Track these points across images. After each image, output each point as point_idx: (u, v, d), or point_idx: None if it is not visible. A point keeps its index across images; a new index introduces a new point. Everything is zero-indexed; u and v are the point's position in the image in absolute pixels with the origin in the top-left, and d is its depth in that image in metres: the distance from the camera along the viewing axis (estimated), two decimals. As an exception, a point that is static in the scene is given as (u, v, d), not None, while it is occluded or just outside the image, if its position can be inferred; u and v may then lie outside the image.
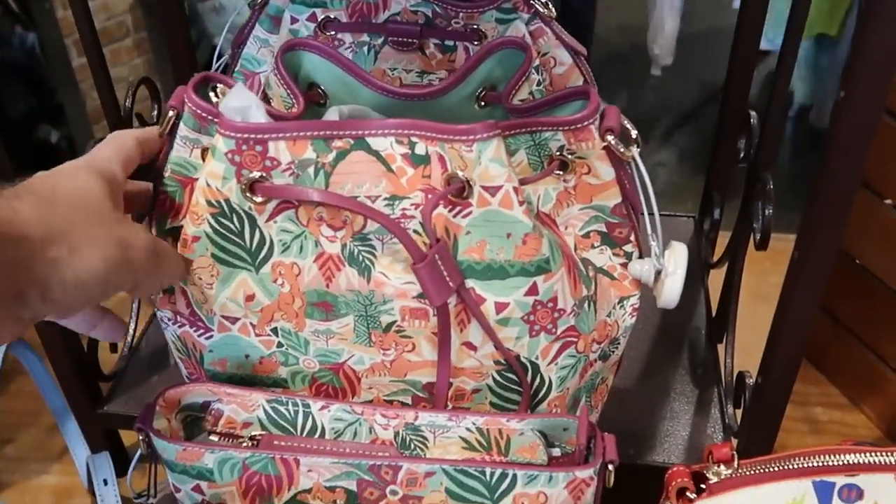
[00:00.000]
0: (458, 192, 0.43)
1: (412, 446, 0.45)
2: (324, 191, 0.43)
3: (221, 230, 0.45)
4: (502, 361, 0.47)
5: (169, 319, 0.49)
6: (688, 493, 0.46)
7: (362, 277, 0.45)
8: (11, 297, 0.34)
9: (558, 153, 0.46)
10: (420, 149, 0.43)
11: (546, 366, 0.47)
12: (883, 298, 0.70)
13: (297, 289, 0.45)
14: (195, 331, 0.49)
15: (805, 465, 0.45)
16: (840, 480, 0.44)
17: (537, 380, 0.48)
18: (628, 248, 0.49)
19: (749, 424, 0.57)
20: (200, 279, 0.46)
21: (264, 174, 0.43)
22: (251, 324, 0.47)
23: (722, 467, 0.45)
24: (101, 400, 0.63)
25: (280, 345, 0.48)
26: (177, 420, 0.46)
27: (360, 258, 0.45)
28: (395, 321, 0.46)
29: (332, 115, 0.49)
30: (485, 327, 0.45)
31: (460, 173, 0.43)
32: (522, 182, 0.45)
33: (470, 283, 0.44)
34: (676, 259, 0.48)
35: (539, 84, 0.59)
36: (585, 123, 0.45)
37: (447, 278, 0.43)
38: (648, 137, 2.30)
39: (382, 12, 0.59)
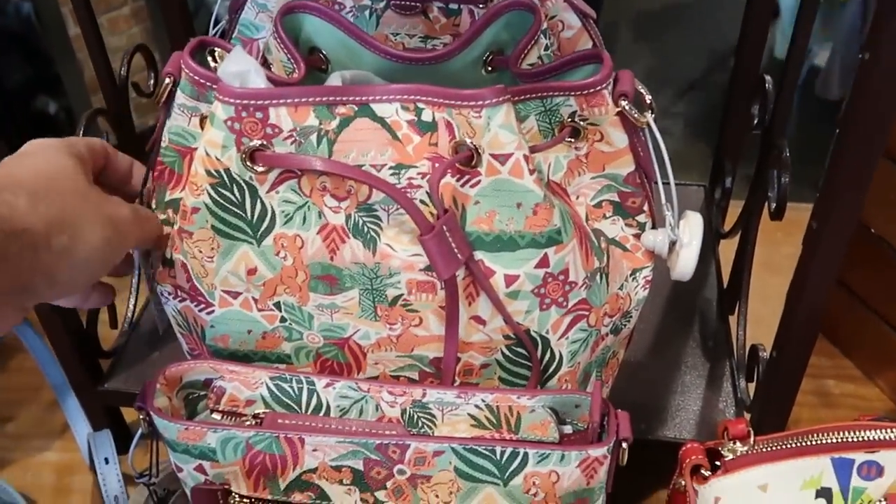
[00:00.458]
0: (467, 160, 0.41)
1: (420, 424, 0.44)
2: (327, 159, 0.41)
3: (221, 201, 0.43)
4: (512, 336, 0.45)
5: (169, 294, 0.48)
6: (702, 471, 0.44)
7: (367, 249, 0.43)
8: (17, 290, 0.35)
9: (570, 119, 0.44)
10: (427, 115, 0.41)
11: (557, 340, 0.46)
12: (898, 269, 0.69)
13: (300, 262, 0.44)
14: (196, 305, 0.47)
15: (823, 442, 0.43)
16: (859, 457, 0.43)
17: (548, 354, 0.46)
18: (641, 218, 0.48)
19: (762, 399, 0.55)
20: (201, 252, 0.45)
21: (265, 142, 0.41)
22: (253, 298, 0.46)
23: (738, 444, 0.44)
24: (102, 377, 0.62)
25: (283, 319, 0.46)
26: (178, 398, 0.45)
27: (366, 229, 0.43)
28: (401, 294, 0.44)
29: (334, 80, 0.47)
30: (494, 301, 0.43)
31: (468, 140, 0.41)
32: (533, 150, 0.44)
33: (479, 255, 0.43)
34: (691, 229, 0.46)
35: (547, 49, 0.57)
36: (598, 88, 0.43)
37: (455, 250, 0.42)
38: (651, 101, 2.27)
39: (385, -25, 0.56)
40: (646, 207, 0.48)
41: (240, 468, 0.44)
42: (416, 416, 0.44)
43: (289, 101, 0.41)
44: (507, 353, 0.46)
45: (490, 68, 0.50)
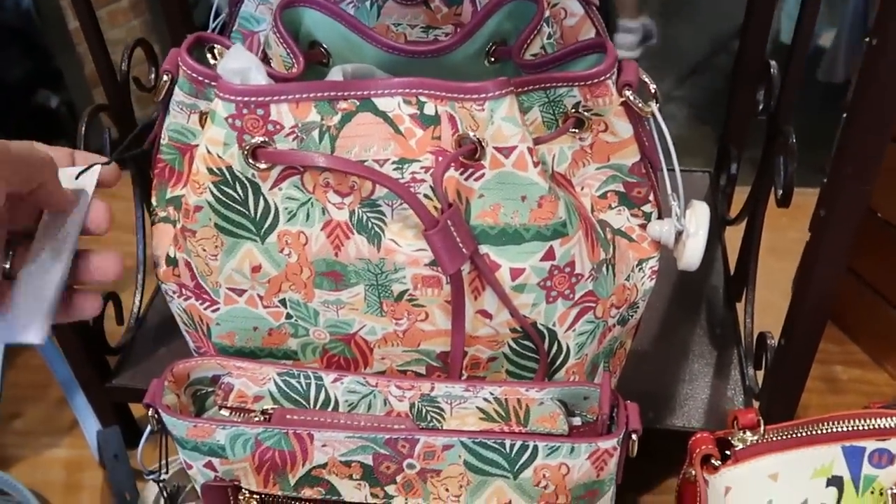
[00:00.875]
0: (470, 153, 0.41)
1: (428, 418, 0.44)
2: (330, 155, 0.41)
3: (224, 199, 0.43)
4: (518, 329, 0.45)
5: (174, 292, 0.48)
6: (712, 461, 0.44)
7: (372, 245, 0.43)
8: None
9: (574, 110, 0.44)
10: (429, 108, 0.41)
11: (564, 332, 0.46)
12: (906, 253, 0.69)
13: (304, 258, 0.44)
14: (201, 303, 0.47)
15: (834, 430, 0.43)
16: (870, 445, 0.43)
17: (555, 347, 0.46)
18: (647, 208, 0.47)
19: (771, 387, 0.55)
20: (204, 250, 0.45)
21: (267, 139, 0.41)
22: (258, 295, 0.46)
23: (748, 433, 0.44)
24: (109, 374, 0.62)
25: (289, 316, 0.46)
26: (186, 395, 0.45)
27: (370, 225, 0.43)
28: (407, 290, 0.44)
29: (335, 74, 0.46)
30: (500, 295, 0.43)
31: (472, 133, 0.41)
32: (537, 141, 0.43)
33: (484, 248, 0.43)
34: (698, 219, 0.46)
35: (550, 37, 0.56)
36: (602, 78, 0.42)
37: (460, 245, 0.41)
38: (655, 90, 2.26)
39: (385, -35, 0.56)
40: (651, 197, 0.47)
41: (249, 464, 0.44)
42: (424, 410, 0.44)
43: (290, 97, 0.40)
44: (513, 346, 0.46)
45: (493, 59, 0.50)
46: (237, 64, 0.41)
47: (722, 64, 2.32)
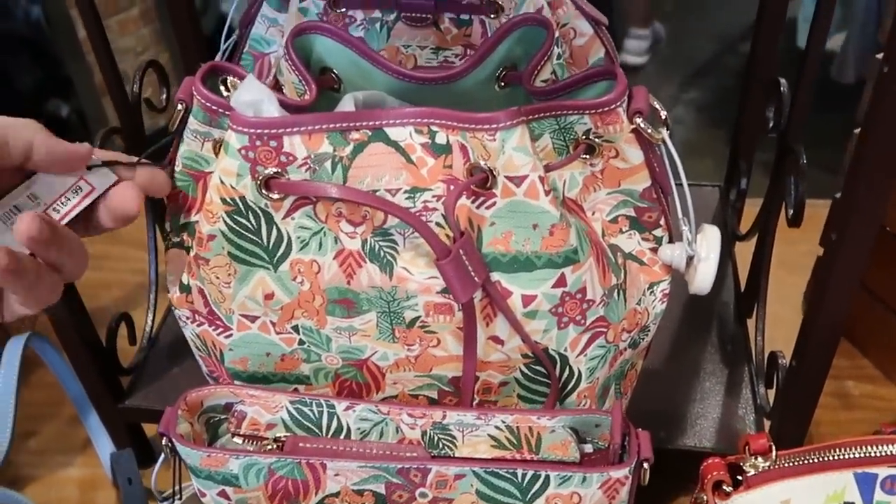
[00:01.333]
0: (482, 182, 0.41)
1: (440, 445, 0.44)
2: (342, 186, 0.41)
3: (237, 228, 0.43)
4: (530, 354, 0.45)
5: (187, 318, 0.48)
6: (724, 487, 0.44)
7: (384, 273, 0.43)
8: None
9: (584, 137, 0.44)
10: (440, 138, 0.41)
11: (575, 357, 0.46)
12: (917, 268, 0.68)
13: (317, 286, 0.44)
14: (214, 329, 0.47)
15: (846, 457, 0.43)
16: (882, 472, 0.43)
17: (566, 371, 0.46)
18: (658, 232, 0.47)
19: (782, 407, 0.55)
20: (218, 278, 0.45)
21: (280, 170, 0.41)
22: (271, 322, 0.46)
23: (759, 459, 0.44)
24: (122, 394, 0.63)
25: (301, 342, 0.46)
26: (199, 423, 0.45)
27: (382, 254, 0.43)
28: (419, 317, 0.44)
29: (347, 102, 0.47)
30: (511, 322, 0.43)
31: (483, 163, 0.41)
32: (548, 168, 0.43)
33: (495, 275, 0.43)
34: (709, 243, 0.46)
35: (559, 57, 0.56)
36: (613, 106, 0.43)
37: (472, 273, 0.42)
38: (663, 93, 2.25)
39: (395, -13, 0.56)
40: (662, 221, 0.47)
41: (262, 493, 0.44)
42: (436, 438, 0.44)
43: (302, 129, 0.41)
44: (525, 371, 0.46)
45: (503, 83, 0.50)
46: (250, 96, 0.41)
47: (731, 64, 2.31)
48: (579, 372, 0.47)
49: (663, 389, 0.62)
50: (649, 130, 0.43)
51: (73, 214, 0.40)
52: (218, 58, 0.58)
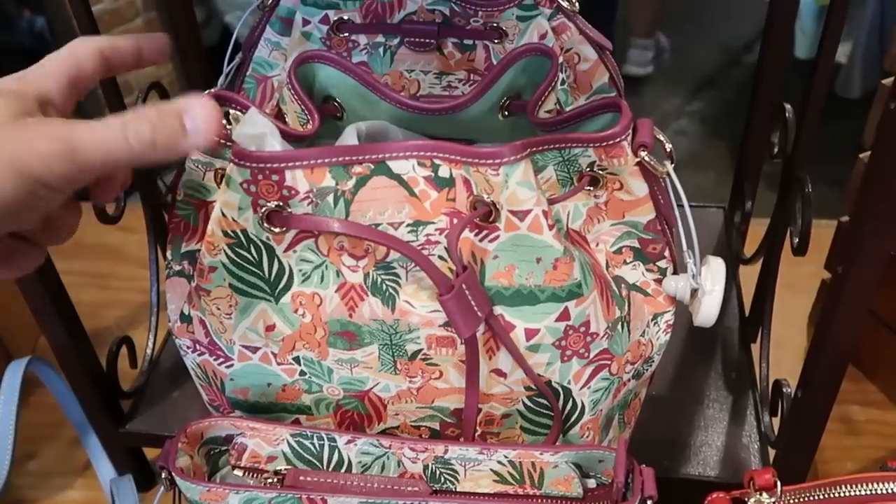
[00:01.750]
0: (485, 216, 0.41)
1: (442, 479, 0.44)
2: (344, 220, 0.41)
3: (239, 260, 0.43)
4: (533, 387, 0.45)
5: (188, 348, 0.48)
6: (729, 523, 0.44)
7: (386, 307, 0.43)
8: None
9: (589, 169, 0.44)
10: (444, 171, 0.41)
11: (579, 390, 0.46)
12: (923, 293, 0.68)
13: (318, 319, 0.44)
14: (215, 359, 0.47)
15: (851, 494, 0.43)
16: (889, 509, 0.42)
17: (570, 404, 0.46)
18: (662, 263, 0.47)
19: (788, 436, 0.55)
20: (219, 309, 0.45)
21: (282, 204, 0.41)
22: (272, 353, 0.46)
23: (764, 495, 0.44)
24: (123, 418, 0.62)
25: (303, 373, 0.46)
26: (199, 455, 0.45)
27: (384, 287, 0.43)
28: (421, 349, 0.44)
29: (350, 133, 0.46)
30: (515, 356, 0.43)
31: (486, 197, 0.41)
32: (552, 201, 0.43)
33: (498, 309, 0.43)
34: (714, 276, 0.45)
35: (563, 83, 0.56)
36: (618, 140, 0.42)
37: (475, 308, 0.41)
38: (667, 104, 2.25)
39: (398, 12, 0.56)
40: (667, 253, 0.47)
41: (263, 527, 0.43)
42: (438, 472, 0.44)
43: (304, 163, 0.40)
44: (528, 403, 0.46)
45: (507, 113, 0.50)
46: (253, 130, 0.41)
47: (734, 76, 2.31)
48: (583, 404, 0.46)
49: (667, 417, 0.61)
50: (653, 164, 0.43)
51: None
52: (221, 80, 0.58)
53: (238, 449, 0.45)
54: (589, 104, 0.45)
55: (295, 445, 0.45)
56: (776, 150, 0.62)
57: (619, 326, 0.46)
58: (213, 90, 0.47)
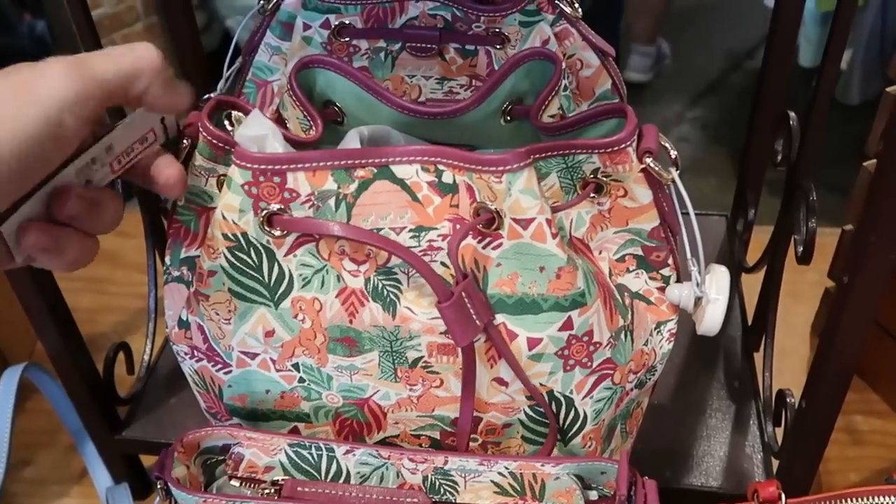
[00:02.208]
0: (488, 223, 0.40)
1: (442, 491, 0.43)
2: (345, 224, 0.40)
3: (238, 264, 0.42)
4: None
5: (186, 354, 0.47)
6: (733, 535, 0.43)
7: (387, 313, 0.42)
8: None
9: (593, 176, 0.43)
10: (447, 177, 0.40)
11: (581, 399, 0.45)
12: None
13: (318, 324, 0.43)
14: (213, 366, 0.47)
15: (857, 507, 0.42)
16: (895, 523, 0.42)
17: (572, 414, 0.45)
18: (666, 271, 0.47)
19: (791, 447, 0.54)
20: (217, 314, 0.44)
21: (283, 206, 0.40)
22: (271, 359, 0.45)
23: (768, 508, 0.43)
24: (120, 425, 0.62)
25: (302, 380, 0.46)
26: (196, 465, 0.44)
27: (385, 293, 0.42)
28: (421, 357, 0.43)
29: (352, 137, 0.46)
30: (513, 366, 0.42)
31: (489, 204, 0.40)
32: (555, 209, 0.43)
33: (501, 317, 0.42)
34: (718, 284, 0.45)
35: (566, 89, 0.56)
36: (622, 146, 0.42)
37: (474, 317, 0.41)
38: (668, 111, 2.25)
39: (399, 17, 0.56)
40: (670, 261, 0.46)
41: (260, 538, 0.43)
42: (437, 483, 0.43)
43: (306, 165, 0.40)
44: (529, 412, 0.45)
45: (509, 118, 0.49)
46: (254, 131, 0.40)
47: (736, 82, 2.31)
48: (585, 414, 0.46)
49: (669, 426, 0.61)
50: (658, 170, 0.42)
51: (131, 163, 0.39)
52: (221, 84, 0.58)
53: (235, 459, 0.44)
54: (594, 109, 0.44)
55: (293, 455, 0.44)
56: (780, 158, 0.61)
57: (623, 335, 0.45)
58: (213, 95, 0.47)
